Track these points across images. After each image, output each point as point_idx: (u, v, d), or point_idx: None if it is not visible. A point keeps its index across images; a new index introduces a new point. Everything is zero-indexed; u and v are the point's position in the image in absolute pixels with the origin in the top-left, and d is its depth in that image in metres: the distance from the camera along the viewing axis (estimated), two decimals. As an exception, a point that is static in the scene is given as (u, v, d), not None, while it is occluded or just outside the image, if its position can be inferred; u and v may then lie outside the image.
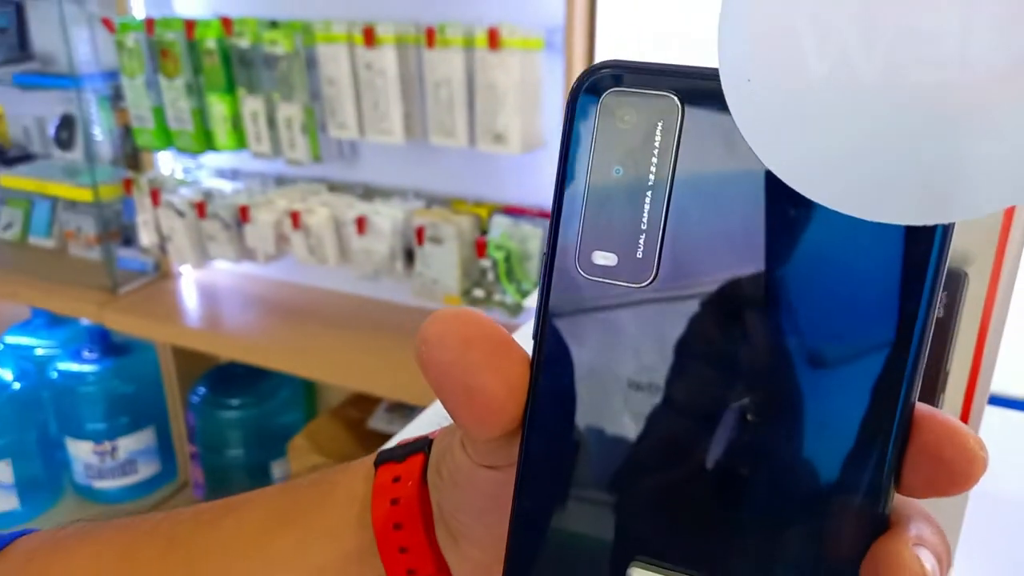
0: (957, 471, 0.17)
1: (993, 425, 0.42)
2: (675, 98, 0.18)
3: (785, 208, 0.17)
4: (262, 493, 0.27)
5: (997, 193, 0.15)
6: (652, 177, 0.18)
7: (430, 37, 1.23)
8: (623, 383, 0.19)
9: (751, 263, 0.18)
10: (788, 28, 0.15)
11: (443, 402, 0.20)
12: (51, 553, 0.28)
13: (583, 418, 0.19)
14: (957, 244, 0.31)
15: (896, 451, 0.18)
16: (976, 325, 0.31)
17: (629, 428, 0.19)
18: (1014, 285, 0.32)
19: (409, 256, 1.39)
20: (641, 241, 0.18)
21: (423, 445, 0.25)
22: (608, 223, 0.19)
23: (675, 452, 0.19)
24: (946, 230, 0.17)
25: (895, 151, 0.15)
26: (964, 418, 0.32)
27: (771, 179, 0.17)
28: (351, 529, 0.25)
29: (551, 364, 0.20)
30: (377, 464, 0.26)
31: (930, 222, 0.16)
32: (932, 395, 0.31)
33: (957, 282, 0.31)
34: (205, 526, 0.27)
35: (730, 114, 0.16)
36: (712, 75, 0.17)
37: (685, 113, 0.18)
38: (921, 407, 0.18)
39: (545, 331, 0.19)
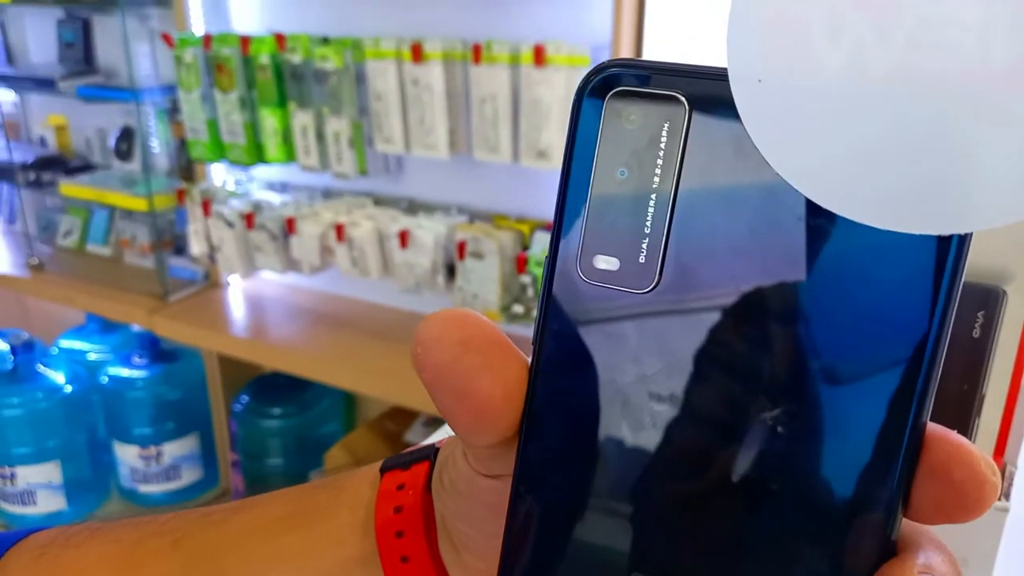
0: (966, 494, 0.16)
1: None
2: (682, 99, 0.17)
3: (794, 216, 0.17)
4: (273, 495, 0.27)
5: (1018, 199, 0.14)
6: (657, 181, 0.18)
7: (476, 53, 1.24)
8: (624, 391, 0.18)
9: (757, 273, 0.17)
10: (799, 23, 0.15)
11: (438, 406, 0.19)
12: (63, 548, 0.28)
13: (582, 426, 0.19)
14: (995, 260, 0.30)
15: (905, 472, 0.17)
16: (1015, 346, 0.30)
17: (629, 437, 0.18)
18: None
19: (451, 270, 1.40)
20: (644, 246, 0.18)
21: (429, 452, 0.25)
22: (611, 227, 0.18)
23: (675, 464, 0.18)
24: (962, 241, 0.16)
25: (910, 153, 0.15)
26: (1000, 446, 0.30)
27: (781, 185, 0.16)
28: (355, 535, 0.25)
29: (550, 369, 0.19)
30: (383, 471, 0.25)
31: (947, 231, 0.15)
32: (966, 420, 0.30)
33: (995, 300, 0.30)
34: (213, 525, 0.27)
35: (739, 117, 0.16)
36: (721, 75, 0.16)
37: (692, 115, 0.17)
38: (933, 427, 0.17)
39: (544, 336, 0.19)
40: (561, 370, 0.19)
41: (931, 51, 0.14)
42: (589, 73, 0.18)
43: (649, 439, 0.18)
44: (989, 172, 0.14)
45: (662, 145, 0.17)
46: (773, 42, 0.15)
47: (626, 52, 1.17)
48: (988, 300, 0.30)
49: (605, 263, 0.18)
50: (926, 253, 0.16)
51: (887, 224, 0.15)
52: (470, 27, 1.31)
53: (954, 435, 0.17)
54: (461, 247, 1.34)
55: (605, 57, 1.22)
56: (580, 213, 0.18)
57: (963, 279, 0.16)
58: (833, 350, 0.17)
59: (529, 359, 0.20)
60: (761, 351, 0.17)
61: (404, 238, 1.38)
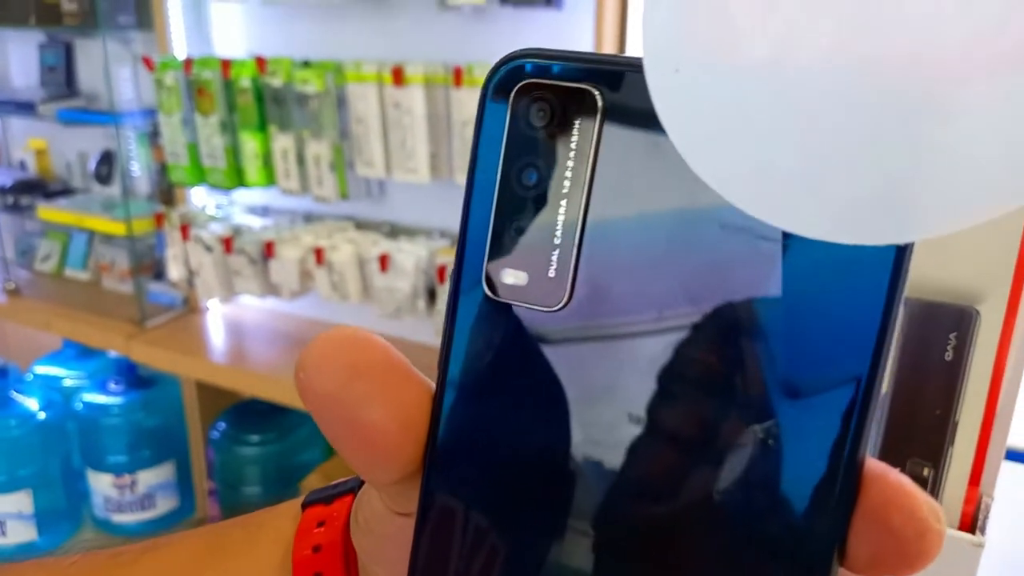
0: (906, 543, 0.14)
1: (1011, 483, 0.38)
2: (595, 92, 0.16)
3: (716, 224, 0.15)
4: (187, 534, 0.25)
5: (968, 202, 0.13)
6: (567, 184, 0.16)
7: (458, 77, 1.23)
8: (536, 418, 0.16)
9: (675, 288, 0.15)
10: (720, 5, 0.13)
11: (329, 440, 0.17)
12: None
13: (492, 458, 0.17)
14: (967, 280, 0.28)
15: (840, 517, 0.14)
16: (989, 369, 0.28)
17: (542, 471, 0.16)
18: (1034, 326, 0.29)
19: (431, 295, 1.38)
20: (553, 259, 0.16)
21: (354, 486, 0.23)
22: (518, 237, 0.16)
23: (586, 495, 0.16)
24: (901, 253, 0.14)
25: (845, 153, 0.13)
26: (976, 475, 0.29)
27: (702, 189, 0.14)
28: (273, 574, 0.23)
29: (456, 395, 0.17)
30: (305, 505, 0.23)
31: (887, 241, 0.13)
32: (940, 448, 0.28)
33: (968, 321, 0.28)
34: (121, 567, 0.25)
35: (655, 110, 0.14)
36: (637, 65, 0.14)
37: (606, 111, 0.15)
38: (872, 465, 0.15)
39: (450, 358, 0.17)
40: (468, 396, 0.17)
41: (869, 33, 0.12)
42: (496, 64, 0.16)
43: (561, 469, 0.16)
44: (934, 173, 0.12)
45: (572, 145, 0.16)
46: (691, 25, 0.13)
47: (607, 76, 1.17)
48: (960, 321, 0.28)
49: (513, 277, 0.16)
50: (864, 265, 0.14)
51: (818, 234, 0.13)
52: (451, 51, 1.30)
53: (894, 474, 0.15)
54: (442, 272, 1.33)
55: (587, 81, 1.21)
56: (486, 223, 0.16)
57: (905, 294, 0.14)
58: (763, 376, 0.15)
59: (433, 384, 0.18)
60: (679, 376, 0.15)
61: (384, 262, 1.36)
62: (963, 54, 0.12)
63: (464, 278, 0.17)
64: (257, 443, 1.57)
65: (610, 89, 0.15)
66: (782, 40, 0.13)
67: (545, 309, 0.16)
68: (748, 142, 0.13)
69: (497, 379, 0.17)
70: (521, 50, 0.16)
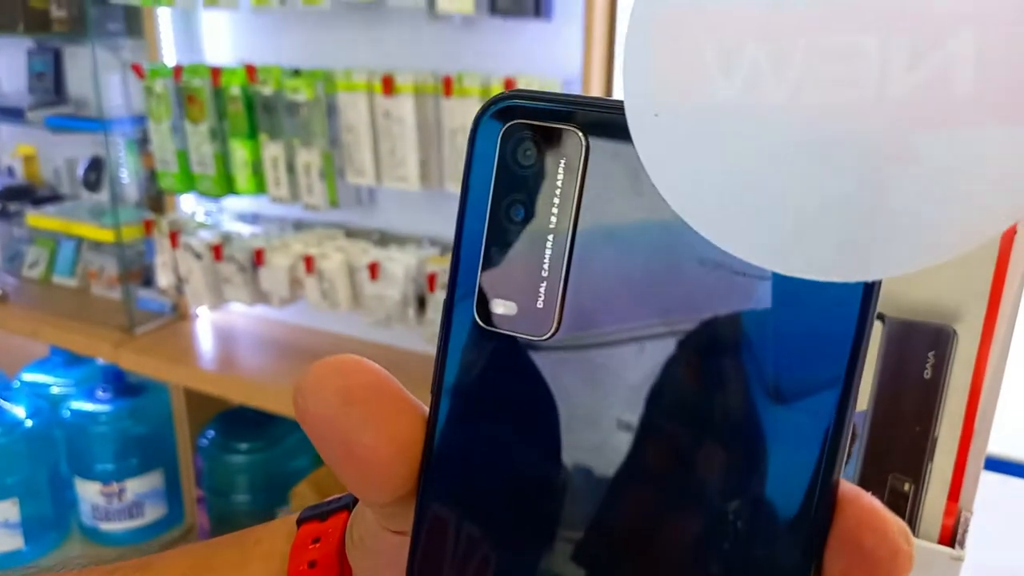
0: (876, 564, 0.14)
1: (992, 492, 0.39)
2: (579, 134, 0.16)
3: (693, 256, 0.15)
4: (180, 550, 0.26)
5: (926, 243, 0.13)
6: (554, 220, 0.17)
7: (447, 86, 1.24)
8: (527, 445, 0.17)
9: (655, 317, 0.16)
10: (694, 53, 0.14)
11: (326, 462, 0.18)
12: None
13: (485, 482, 0.17)
14: (945, 299, 0.29)
15: (815, 539, 0.15)
16: (967, 387, 0.29)
17: (533, 490, 0.17)
18: (1010, 342, 0.29)
19: (421, 303, 1.38)
20: (542, 290, 0.17)
21: (348, 502, 0.23)
22: (507, 269, 0.17)
23: (576, 515, 0.17)
24: (869, 289, 0.15)
25: (809, 191, 0.13)
26: (955, 490, 0.29)
27: (680, 224, 0.15)
28: None
29: (448, 420, 0.18)
30: (300, 521, 0.24)
31: (851, 278, 0.14)
32: (919, 464, 0.29)
33: (946, 340, 0.29)
34: None
35: (636, 151, 0.15)
36: (620, 108, 0.15)
37: (590, 150, 0.16)
38: (847, 488, 0.15)
39: (442, 384, 0.18)
40: (461, 419, 0.17)
41: (827, 82, 0.13)
42: (485, 104, 0.17)
43: (552, 489, 0.17)
44: (893, 212, 0.13)
45: (559, 182, 0.16)
46: (668, 74, 0.14)
47: (596, 84, 1.17)
48: (939, 340, 0.29)
49: (503, 307, 0.17)
50: (834, 297, 0.15)
51: (785, 269, 0.14)
52: (441, 60, 1.31)
53: (867, 497, 0.15)
54: (432, 279, 1.33)
55: (576, 90, 1.22)
56: (476, 254, 0.17)
57: (872, 324, 0.15)
58: (741, 400, 0.15)
59: (426, 407, 0.18)
60: (661, 398, 0.16)
61: (374, 270, 1.36)
62: (913, 104, 0.13)
63: (456, 306, 0.17)
64: (246, 451, 1.57)
65: (594, 130, 0.16)
66: (747, 88, 0.14)
67: (535, 337, 0.17)
68: (716, 179, 0.14)
69: (489, 402, 0.17)
70: (510, 91, 0.17)
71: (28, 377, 1.81)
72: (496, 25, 1.26)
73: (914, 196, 0.12)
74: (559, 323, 0.17)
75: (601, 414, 0.16)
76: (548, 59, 1.24)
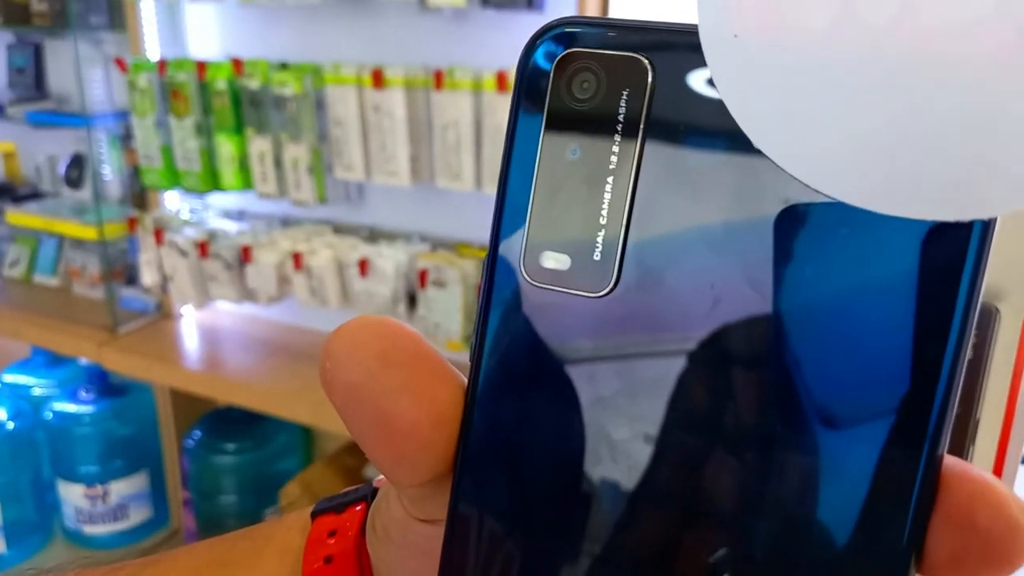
0: (993, 541, 0.13)
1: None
2: (644, 60, 0.14)
3: (780, 201, 0.14)
4: (191, 547, 0.24)
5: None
6: (614, 160, 0.15)
7: (438, 80, 1.22)
8: (579, 417, 0.15)
9: (735, 276, 0.14)
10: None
11: (354, 436, 0.16)
12: None
13: (530, 460, 0.16)
14: (987, 277, 0.28)
15: (918, 520, 0.13)
16: (1010, 368, 0.27)
17: (587, 473, 0.15)
18: (1053, 324, 0.28)
19: (412, 300, 1.36)
20: (599, 240, 0.15)
21: (366, 493, 0.22)
22: (560, 217, 0.15)
23: (641, 505, 0.15)
24: (984, 235, 0.13)
25: (919, 126, 0.12)
26: (997, 473, 0.28)
27: (763, 165, 0.13)
28: None
29: (490, 390, 0.16)
30: (314, 515, 0.22)
31: (968, 216, 0.12)
32: (961, 447, 0.28)
33: (987, 319, 0.27)
34: None
35: (712, 81, 0.13)
36: (691, 31, 0.13)
37: (657, 79, 0.14)
38: (951, 462, 0.14)
39: (484, 349, 0.16)
40: (504, 391, 0.16)
41: (934, 2, 0.11)
42: (536, 33, 0.15)
43: (610, 475, 0.15)
44: (1014, 138, 0.11)
45: (620, 118, 0.15)
46: None
47: (589, 79, 1.16)
48: (980, 319, 0.27)
49: (554, 261, 0.15)
50: (942, 247, 0.13)
51: (893, 210, 0.12)
52: (432, 53, 1.29)
53: (976, 471, 0.14)
54: (423, 276, 1.31)
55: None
56: (525, 202, 0.15)
57: (983, 280, 0.13)
58: (833, 377, 0.14)
59: (465, 378, 0.16)
60: (739, 376, 0.14)
61: (364, 267, 1.34)
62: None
63: (500, 264, 0.16)
64: (233, 452, 1.54)
65: (661, 57, 0.14)
66: (843, 10, 0.12)
67: (589, 295, 0.15)
68: (810, 113, 0.12)
69: (535, 375, 0.15)
70: (563, 18, 0.15)
71: (9, 378, 1.78)
72: (488, 17, 1.25)
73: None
74: (618, 279, 0.15)
75: (666, 389, 0.15)
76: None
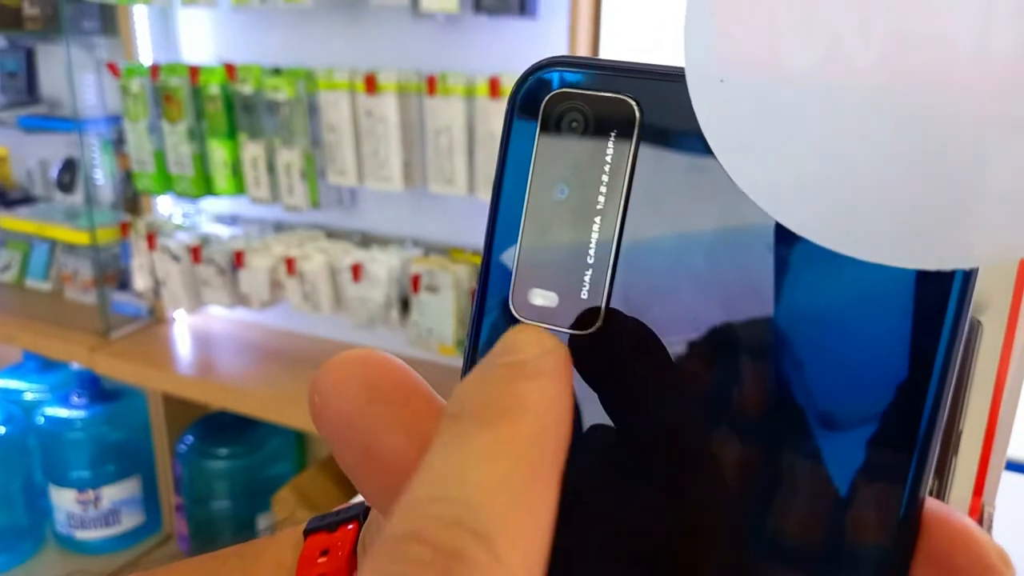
0: None
1: (1012, 495, 0.39)
2: (632, 103, 0.15)
3: (763, 244, 0.14)
4: (182, 564, 0.24)
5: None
6: (602, 199, 0.15)
7: (431, 85, 1.23)
8: (574, 435, 0.16)
9: (717, 313, 0.14)
10: (765, 12, 0.13)
11: (342, 467, 0.16)
12: None
13: None
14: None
15: (898, 564, 0.14)
16: (991, 380, 0.28)
17: (577, 490, 0.16)
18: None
19: (405, 305, 1.36)
20: (586, 279, 0.15)
21: (358, 512, 0.22)
22: (548, 255, 0.15)
23: (623, 532, 0.15)
24: (967, 277, 0.13)
25: (900, 168, 0.12)
26: (979, 485, 0.29)
27: (747, 207, 0.13)
28: None
29: None
30: (306, 533, 0.22)
31: (946, 266, 0.12)
32: (943, 458, 0.28)
33: (970, 332, 0.28)
34: None
35: (698, 123, 0.13)
36: (678, 75, 0.14)
37: (644, 121, 0.15)
38: (933, 506, 0.14)
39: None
40: None
41: (920, 45, 0.12)
42: (525, 72, 0.16)
43: (600, 492, 0.15)
44: (995, 190, 0.12)
45: (608, 157, 0.15)
46: (736, 35, 0.12)
47: (582, 85, 1.17)
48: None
49: (542, 298, 0.15)
50: (923, 289, 0.13)
51: (871, 256, 0.13)
52: (425, 59, 1.29)
53: (957, 515, 0.14)
54: (415, 280, 1.32)
55: (561, 90, 1.21)
56: (513, 239, 0.16)
57: (968, 320, 0.14)
58: (814, 409, 0.14)
59: None
60: (721, 411, 0.14)
61: (356, 272, 1.35)
62: (1020, 67, 0.12)
63: (489, 300, 0.16)
64: (226, 457, 1.54)
65: (648, 99, 0.15)
66: (827, 53, 0.12)
67: (577, 332, 0.15)
68: (794, 155, 0.13)
69: None
70: (552, 57, 0.16)
71: (1, 383, 1.77)
72: (480, 23, 1.25)
73: (1019, 171, 0.11)
74: (605, 317, 0.15)
75: (654, 426, 0.15)
76: (533, 58, 1.21)
